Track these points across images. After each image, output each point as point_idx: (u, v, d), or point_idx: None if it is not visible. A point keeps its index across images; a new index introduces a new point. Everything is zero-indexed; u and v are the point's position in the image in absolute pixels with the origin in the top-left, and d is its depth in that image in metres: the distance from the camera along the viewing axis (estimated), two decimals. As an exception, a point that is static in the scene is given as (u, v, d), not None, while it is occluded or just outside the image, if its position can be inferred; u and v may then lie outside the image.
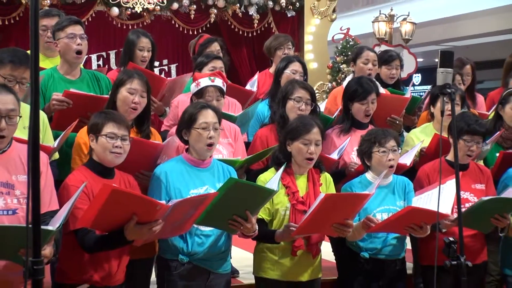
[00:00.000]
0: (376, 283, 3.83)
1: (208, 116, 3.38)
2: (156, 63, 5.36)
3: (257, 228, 3.31)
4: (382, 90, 4.63)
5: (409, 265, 4.32)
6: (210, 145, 3.38)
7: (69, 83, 4.03)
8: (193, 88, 3.94)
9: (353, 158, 4.13)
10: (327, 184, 3.75)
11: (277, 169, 3.48)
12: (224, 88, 3.96)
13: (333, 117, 4.54)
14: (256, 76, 5.16)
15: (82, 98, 3.79)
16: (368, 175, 3.83)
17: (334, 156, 4.09)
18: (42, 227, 2.19)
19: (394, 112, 4.60)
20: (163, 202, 3.05)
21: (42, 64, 4.27)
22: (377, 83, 4.59)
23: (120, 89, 3.57)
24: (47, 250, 2.69)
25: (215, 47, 5.08)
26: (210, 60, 4.44)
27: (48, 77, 4.02)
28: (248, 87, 5.01)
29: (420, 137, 4.41)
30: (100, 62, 7.80)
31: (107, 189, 2.77)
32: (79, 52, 4.01)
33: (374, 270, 3.81)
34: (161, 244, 3.47)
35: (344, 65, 8.61)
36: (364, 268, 3.81)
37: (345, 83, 5.20)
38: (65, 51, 4.03)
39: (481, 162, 4.37)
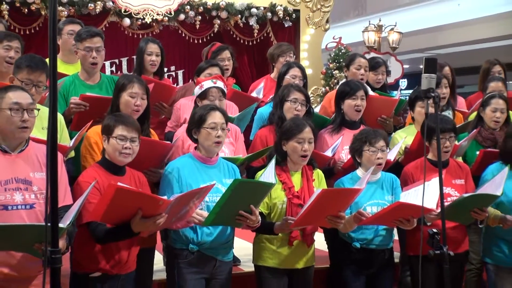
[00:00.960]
0: (366, 271, 3.83)
1: (216, 117, 3.41)
2: (165, 69, 5.35)
3: (260, 219, 3.32)
4: (371, 93, 4.62)
5: (396, 255, 4.31)
6: (218, 143, 3.41)
7: (89, 88, 4.06)
8: (197, 90, 3.95)
9: (343, 156, 4.14)
10: (319, 179, 3.76)
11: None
12: (225, 89, 3.98)
13: (330, 118, 4.53)
14: (262, 84, 5.16)
15: (97, 100, 3.81)
16: (359, 172, 3.82)
17: (328, 153, 4.09)
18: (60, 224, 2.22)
19: (384, 112, 4.62)
20: (165, 197, 3.06)
21: (63, 70, 4.30)
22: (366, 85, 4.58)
23: (122, 93, 3.57)
24: (60, 244, 2.67)
25: (226, 54, 5.08)
26: (208, 67, 4.44)
27: (70, 83, 4.05)
28: (254, 94, 5.02)
29: (403, 136, 4.42)
30: (113, 68, 7.80)
31: (112, 189, 2.80)
32: (93, 64, 4.05)
33: (364, 259, 3.81)
34: (171, 235, 3.46)
35: (336, 71, 8.60)
36: (355, 257, 3.81)
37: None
38: (82, 61, 4.06)
39: (460, 159, 4.37)
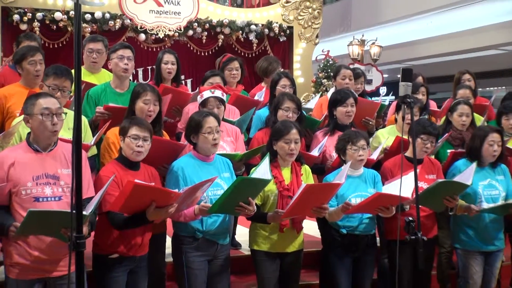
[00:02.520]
0: (351, 254, 3.83)
1: (210, 122, 3.39)
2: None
3: (255, 208, 3.32)
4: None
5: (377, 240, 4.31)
6: (215, 144, 3.42)
7: (118, 95, 4.08)
8: (199, 99, 3.95)
9: (334, 155, 4.14)
10: (306, 174, 3.75)
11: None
12: (224, 98, 3.95)
13: (320, 120, 4.53)
14: (264, 89, 5.14)
15: (117, 109, 3.81)
16: (343, 169, 3.82)
17: (315, 153, 4.09)
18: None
19: (368, 114, 4.62)
20: (176, 190, 3.08)
21: (87, 79, 4.33)
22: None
23: (137, 100, 3.56)
24: (83, 229, 2.68)
25: (235, 64, 5.07)
26: (210, 76, 4.44)
27: (101, 91, 4.07)
28: (256, 97, 5.00)
29: (386, 135, 4.43)
30: (131, 78, 7.79)
31: (130, 185, 2.81)
32: (125, 70, 4.08)
33: (350, 244, 3.80)
34: (178, 224, 3.45)
35: (325, 80, 8.61)
36: (342, 242, 3.80)
37: (329, 94, 5.24)
38: (115, 68, 4.07)
39: (432, 157, 4.38)
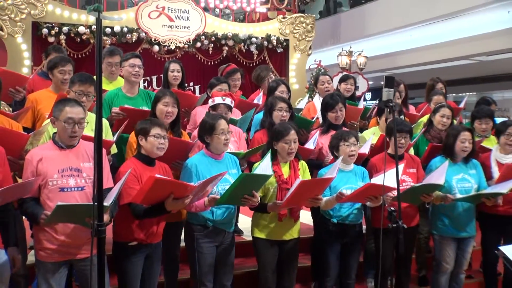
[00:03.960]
0: (340, 241, 3.82)
1: (223, 124, 3.40)
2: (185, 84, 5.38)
3: (259, 200, 3.33)
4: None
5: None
6: (226, 144, 3.44)
7: (129, 99, 4.07)
8: (210, 102, 3.95)
9: (329, 152, 4.14)
10: (303, 168, 3.74)
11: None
12: (232, 105, 3.97)
13: (313, 120, 4.53)
14: (261, 94, 5.15)
15: (131, 111, 3.82)
16: (335, 164, 3.81)
17: (310, 146, 4.10)
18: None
19: (352, 118, 4.64)
20: (192, 183, 3.09)
21: (105, 86, 4.34)
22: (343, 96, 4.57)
23: (158, 104, 3.59)
24: (105, 218, 2.68)
25: (237, 75, 5.08)
26: (219, 83, 4.43)
27: (114, 95, 4.06)
28: (256, 101, 5.01)
29: (370, 135, 4.43)
30: (145, 84, 7.81)
31: (152, 179, 2.82)
32: (136, 77, 4.07)
33: (339, 232, 3.79)
34: (190, 213, 3.45)
35: (314, 85, 8.64)
36: (332, 230, 3.79)
37: (314, 100, 5.30)
38: (126, 75, 4.08)
39: (412, 151, 4.37)
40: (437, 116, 4.56)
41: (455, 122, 4.95)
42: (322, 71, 9.05)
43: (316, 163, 4.13)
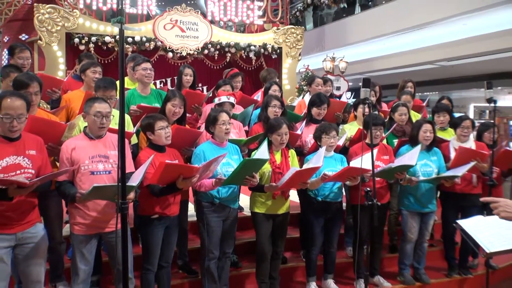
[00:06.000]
0: (324, 215, 3.83)
1: (224, 116, 3.41)
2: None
3: (258, 180, 3.34)
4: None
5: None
6: (227, 133, 3.44)
7: (143, 98, 4.04)
8: (216, 100, 3.96)
9: (309, 141, 4.14)
10: (292, 156, 3.74)
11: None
12: (234, 103, 3.98)
13: (301, 115, 4.54)
14: (260, 92, 5.13)
15: (146, 108, 3.81)
16: (319, 153, 3.81)
17: (298, 132, 4.12)
18: (127, 184, 2.23)
19: (338, 110, 4.68)
20: (196, 165, 3.08)
21: (130, 86, 4.31)
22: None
23: (167, 103, 3.56)
24: (131, 195, 2.72)
25: (239, 78, 5.05)
26: (224, 84, 4.43)
27: (131, 95, 4.03)
28: (255, 97, 5.01)
29: (348, 128, 4.43)
30: (161, 85, 7.77)
31: (163, 165, 2.84)
32: (148, 78, 4.05)
33: (323, 208, 3.81)
34: (200, 192, 3.45)
35: (305, 87, 8.58)
36: (317, 206, 3.80)
37: (305, 98, 5.23)
38: (140, 77, 4.04)
39: (384, 141, 4.38)
40: (396, 114, 4.56)
41: (418, 116, 4.97)
42: (309, 74, 9.02)
43: (298, 150, 4.13)
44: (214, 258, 3.46)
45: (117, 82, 3.53)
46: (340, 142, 4.07)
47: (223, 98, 3.91)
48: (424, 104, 5.53)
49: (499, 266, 4.70)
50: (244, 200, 4.56)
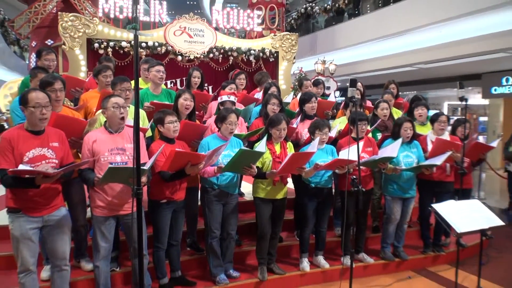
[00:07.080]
0: (316, 199, 3.82)
1: (232, 117, 3.40)
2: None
3: (256, 170, 3.33)
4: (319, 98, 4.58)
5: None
6: (232, 132, 3.43)
7: (155, 96, 4.01)
8: (219, 99, 3.93)
9: (304, 135, 4.11)
10: (290, 148, 3.72)
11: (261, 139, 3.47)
12: (235, 101, 3.94)
13: (295, 112, 4.49)
14: (259, 92, 5.10)
15: (158, 105, 3.79)
16: (313, 142, 3.80)
17: (294, 125, 4.10)
18: (141, 167, 2.21)
19: (327, 108, 4.63)
20: (203, 153, 3.08)
21: (142, 85, 4.27)
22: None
23: (179, 99, 3.54)
24: (144, 179, 2.71)
25: (242, 77, 5.01)
26: (227, 85, 4.42)
27: (144, 93, 4.00)
28: (256, 96, 4.97)
29: (338, 122, 4.41)
30: (172, 85, 7.73)
31: (173, 152, 2.84)
32: (160, 79, 4.00)
33: (316, 192, 3.80)
34: (203, 179, 3.45)
35: (299, 87, 8.55)
36: (310, 191, 3.79)
37: (298, 97, 5.20)
38: (153, 78, 4.00)
39: (370, 135, 4.36)
40: (378, 110, 4.54)
41: (400, 113, 4.94)
42: (303, 75, 8.97)
43: (295, 142, 4.11)
44: (215, 236, 3.46)
45: (132, 82, 3.51)
46: (332, 134, 4.07)
47: (225, 97, 3.88)
48: (405, 101, 5.52)
49: (468, 245, 4.72)
50: (247, 187, 4.56)
